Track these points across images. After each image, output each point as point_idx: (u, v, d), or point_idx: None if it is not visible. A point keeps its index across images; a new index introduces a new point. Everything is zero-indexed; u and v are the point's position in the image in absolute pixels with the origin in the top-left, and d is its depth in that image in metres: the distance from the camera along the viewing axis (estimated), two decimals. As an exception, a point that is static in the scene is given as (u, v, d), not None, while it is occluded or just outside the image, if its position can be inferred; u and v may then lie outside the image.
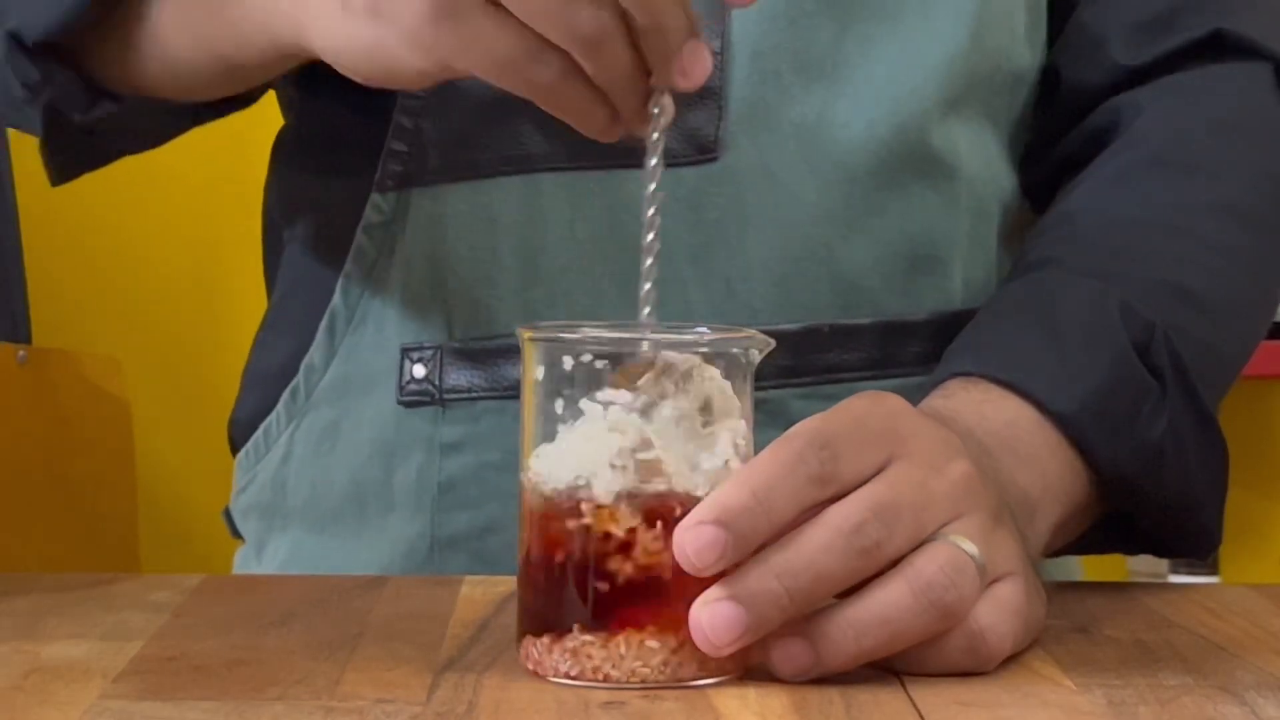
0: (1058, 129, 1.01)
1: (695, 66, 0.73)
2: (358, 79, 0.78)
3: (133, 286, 2.21)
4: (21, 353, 1.73)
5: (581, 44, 0.72)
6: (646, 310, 0.73)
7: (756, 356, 0.72)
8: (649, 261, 0.73)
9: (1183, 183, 0.95)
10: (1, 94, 0.92)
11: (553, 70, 0.73)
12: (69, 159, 0.97)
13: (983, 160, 0.98)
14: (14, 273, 1.92)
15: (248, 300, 2.20)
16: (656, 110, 0.74)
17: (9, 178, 1.94)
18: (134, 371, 1.98)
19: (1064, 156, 1.00)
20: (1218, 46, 0.99)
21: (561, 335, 0.72)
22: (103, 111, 0.92)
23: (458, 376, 0.95)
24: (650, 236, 0.73)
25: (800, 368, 0.95)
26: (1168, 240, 0.93)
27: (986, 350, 0.87)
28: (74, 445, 1.81)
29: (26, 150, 1.85)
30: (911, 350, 0.96)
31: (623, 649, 0.70)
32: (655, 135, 0.74)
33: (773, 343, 0.73)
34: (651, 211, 0.73)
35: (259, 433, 1.02)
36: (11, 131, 1.83)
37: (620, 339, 0.72)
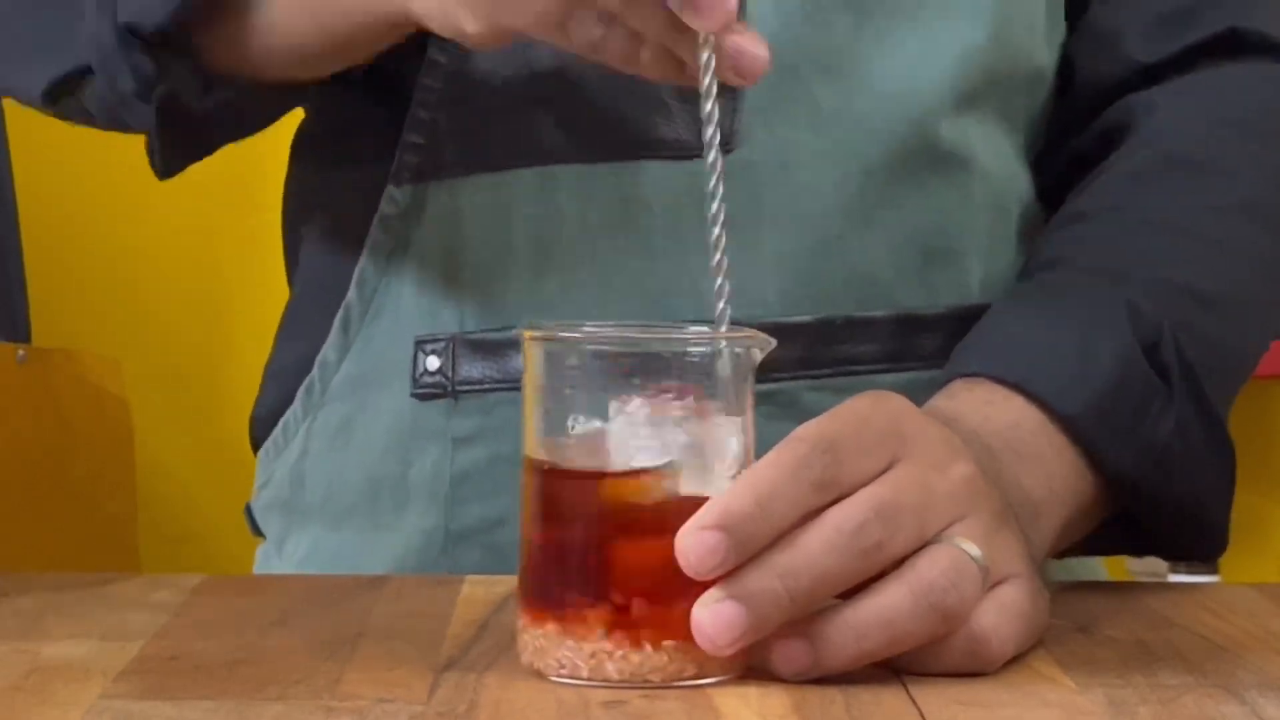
0: (1071, 125, 1.01)
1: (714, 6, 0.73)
2: (449, 36, 0.81)
3: (133, 286, 2.21)
4: (21, 353, 1.73)
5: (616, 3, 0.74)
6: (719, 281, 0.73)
7: (758, 355, 0.72)
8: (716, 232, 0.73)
9: (1195, 182, 0.95)
10: (106, 89, 0.89)
11: (590, 25, 0.76)
12: (176, 151, 0.95)
13: (998, 157, 0.98)
14: (14, 273, 1.92)
15: (248, 300, 2.21)
16: (706, 55, 0.73)
17: (9, 178, 1.94)
18: (134, 371, 1.98)
19: (1077, 154, 1.00)
20: (1234, 43, 0.99)
21: (561, 335, 0.72)
22: (218, 98, 0.90)
23: (470, 368, 0.95)
24: (714, 180, 0.73)
25: (814, 359, 0.94)
26: (1179, 240, 0.93)
27: (992, 351, 0.87)
28: (74, 445, 1.81)
29: (26, 150, 1.85)
30: (927, 344, 0.96)
31: (623, 648, 0.70)
32: (707, 81, 0.73)
33: (773, 342, 0.72)
34: (713, 157, 0.73)
35: (278, 429, 1.01)
36: (11, 131, 1.83)
37: (621, 338, 0.72)
